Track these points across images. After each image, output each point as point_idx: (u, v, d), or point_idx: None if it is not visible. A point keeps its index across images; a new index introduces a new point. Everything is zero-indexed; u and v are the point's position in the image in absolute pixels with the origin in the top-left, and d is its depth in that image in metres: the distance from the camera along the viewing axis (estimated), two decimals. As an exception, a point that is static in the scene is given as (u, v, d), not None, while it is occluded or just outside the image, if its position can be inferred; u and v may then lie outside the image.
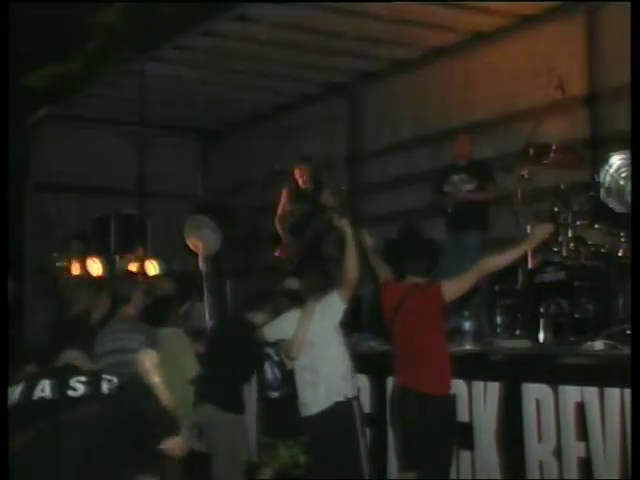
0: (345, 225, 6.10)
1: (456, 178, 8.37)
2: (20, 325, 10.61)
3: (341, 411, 5.89)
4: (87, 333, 3.79)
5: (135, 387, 3.43)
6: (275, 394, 6.68)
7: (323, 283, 6.11)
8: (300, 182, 9.17)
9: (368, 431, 6.65)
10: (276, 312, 6.56)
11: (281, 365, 6.63)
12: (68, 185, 12.37)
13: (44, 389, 3.17)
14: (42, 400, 3.16)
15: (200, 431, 6.97)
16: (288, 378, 6.42)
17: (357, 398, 6.07)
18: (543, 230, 5.57)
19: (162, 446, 3.29)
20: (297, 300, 6.25)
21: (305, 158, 9.41)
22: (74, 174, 12.30)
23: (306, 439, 6.10)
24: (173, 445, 3.33)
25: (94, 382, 3.20)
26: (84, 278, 9.05)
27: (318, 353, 5.96)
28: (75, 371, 3.28)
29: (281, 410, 6.53)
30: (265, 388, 6.75)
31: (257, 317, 6.85)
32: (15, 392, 3.21)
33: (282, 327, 6.20)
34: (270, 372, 6.76)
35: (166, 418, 3.38)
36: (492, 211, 8.42)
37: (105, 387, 3.18)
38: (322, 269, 6.60)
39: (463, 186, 8.32)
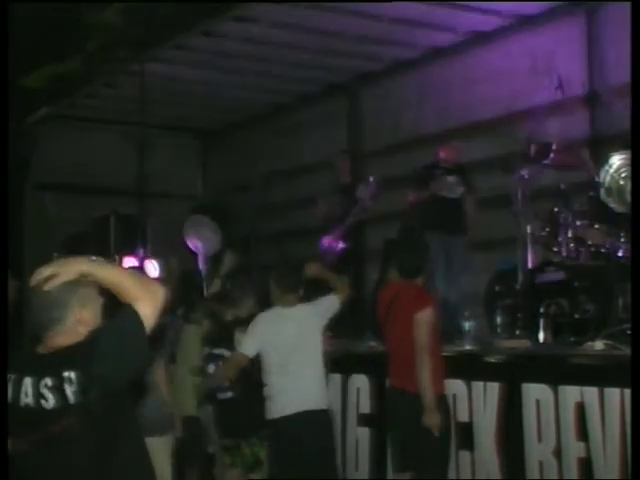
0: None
1: (450, 179, 8.28)
2: (20, 325, 10.58)
3: (322, 417, 5.81)
4: None
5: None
6: (228, 394, 6.28)
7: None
8: (342, 174, 9.33)
9: (367, 431, 6.69)
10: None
11: None
12: (68, 185, 12.36)
13: (27, 392, 3.10)
14: (27, 408, 3.10)
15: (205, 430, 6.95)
16: (240, 377, 6.12)
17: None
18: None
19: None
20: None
21: (346, 150, 9.83)
22: (74, 174, 12.30)
23: (266, 434, 5.95)
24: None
25: (58, 387, 3.02)
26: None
27: (305, 355, 5.80)
28: (44, 368, 3.08)
29: (236, 409, 6.23)
30: (214, 390, 6.39)
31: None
32: (9, 387, 3.16)
33: (260, 338, 5.93)
34: None
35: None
36: (491, 212, 8.45)
37: (69, 392, 3.01)
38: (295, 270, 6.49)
39: (456, 189, 8.27)
